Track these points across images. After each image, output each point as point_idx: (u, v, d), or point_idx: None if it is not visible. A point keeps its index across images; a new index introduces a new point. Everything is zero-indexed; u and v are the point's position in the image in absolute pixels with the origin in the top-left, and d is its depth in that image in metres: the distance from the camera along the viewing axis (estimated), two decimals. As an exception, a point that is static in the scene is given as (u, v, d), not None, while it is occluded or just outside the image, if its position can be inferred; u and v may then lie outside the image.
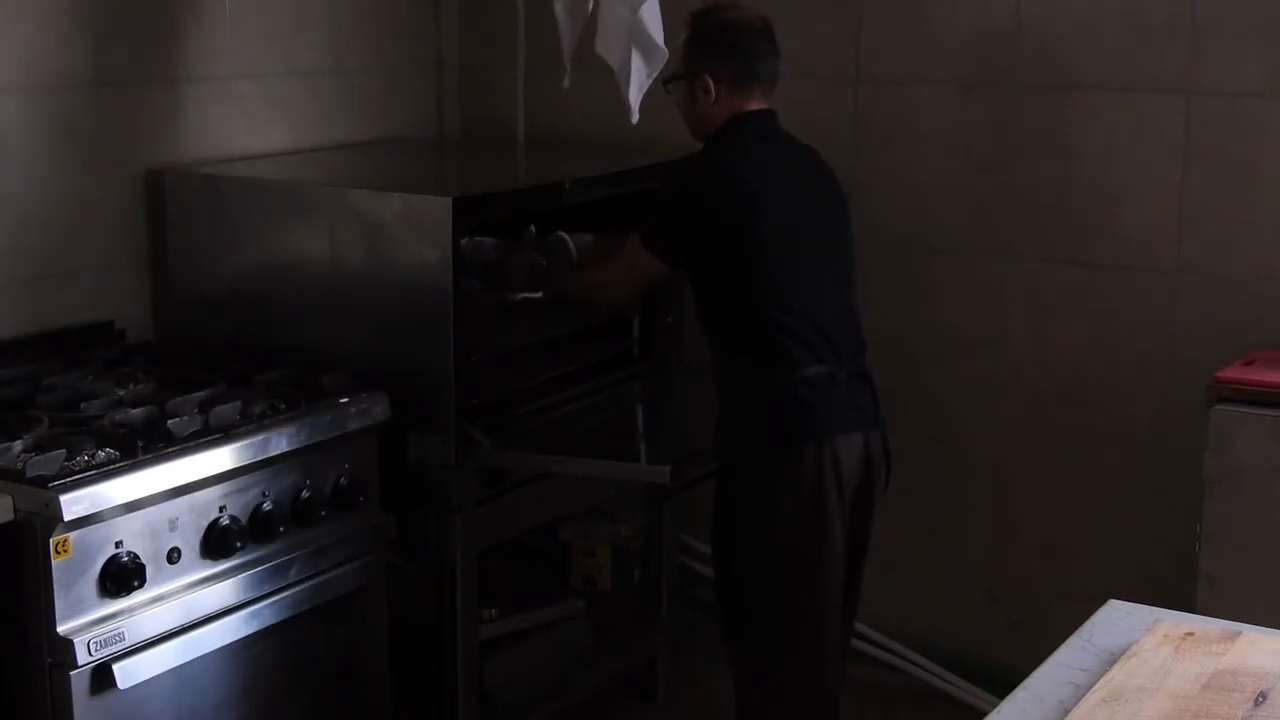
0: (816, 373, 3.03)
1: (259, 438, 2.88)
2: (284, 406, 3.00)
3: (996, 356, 3.94)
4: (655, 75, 3.59)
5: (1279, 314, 3.55)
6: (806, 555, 3.07)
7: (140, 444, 2.72)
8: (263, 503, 2.88)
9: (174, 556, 2.72)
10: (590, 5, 3.63)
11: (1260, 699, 1.93)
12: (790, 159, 3.18)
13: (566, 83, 3.74)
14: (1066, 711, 1.92)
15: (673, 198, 3.16)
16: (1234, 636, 2.13)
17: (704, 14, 3.14)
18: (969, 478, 4.02)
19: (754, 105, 3.14)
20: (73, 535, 2.55)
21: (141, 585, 2.65)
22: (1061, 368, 3.86)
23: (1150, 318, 3.73)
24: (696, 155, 3.17)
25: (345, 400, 3.08)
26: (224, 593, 2.80)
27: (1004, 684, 2.12)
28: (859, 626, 4.13)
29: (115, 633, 2.60)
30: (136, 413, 2.88)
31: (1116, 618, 2.25)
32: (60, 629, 2.55)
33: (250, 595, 2.84)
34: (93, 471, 2.61)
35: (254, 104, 3.78)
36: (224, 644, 2.80)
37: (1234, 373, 3.30)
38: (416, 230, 3.22)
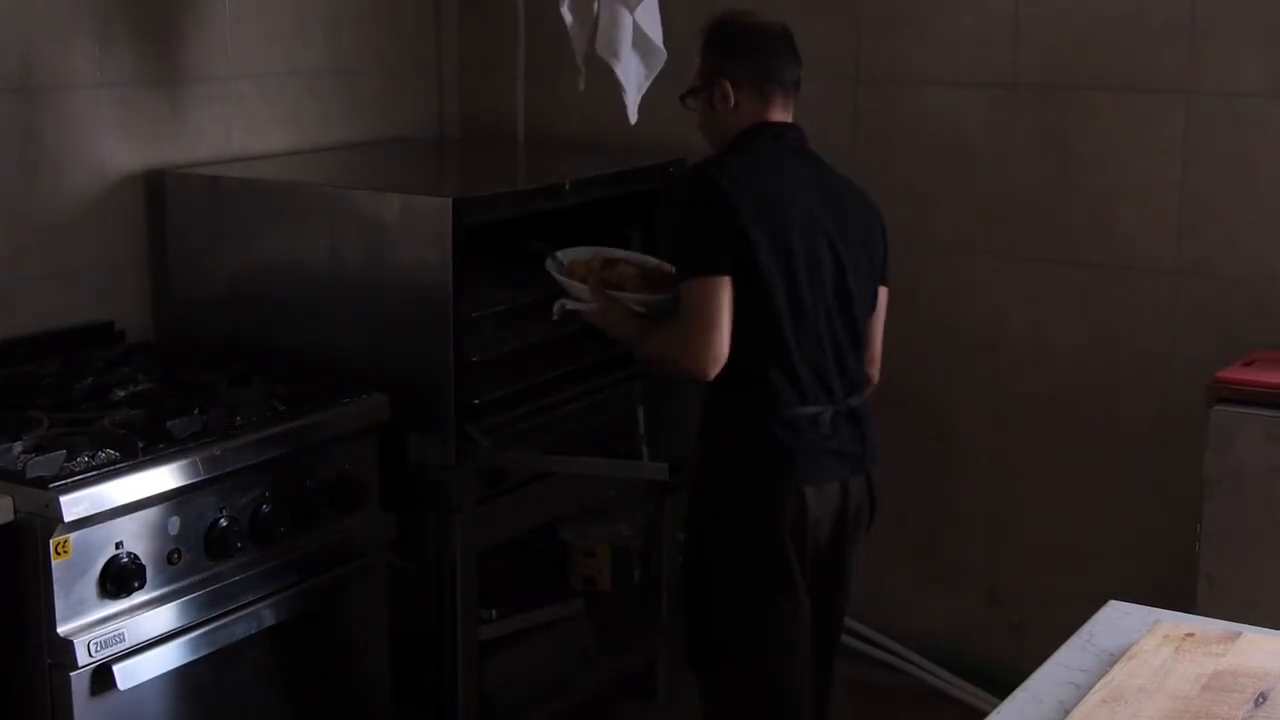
0: (799, 414, 2.91)
1: (259, 438, 2.88)
2: (284, 407, 3.00)
3: (996, 357, 3.94)
4: (654, 76, 3.59)
5: (1277, 313, 3.55)
6: (764, 597, 2.98)
7: (140, 445, 2.72)
8: (262, 503, 2.88)
9: (174, 557, 2.72)
10: (595, 7, 3.63)
11: (1260, 699, 1.93)
12: (808, 181, 3.02)
13: (582, 85, 3.74)
14: (1067, 712, 1.92)
15: (691, 212, 2.94)
16: (1234, 637, 2.13)
17: (719, 20, 3.04)
18: (969, 478, 4.02)
19: (775, 115, 3.01)
20: (73, 536, 2.55)
21: (142, 586, 2.65)
22: (1061, 368, 3.86)
23: (1150, 318, 3.73)
24: (697, 175, 2.96)
25: (345, 401, 3.08)
26: (224, 593, 2.80)
27: (1004, 684, 2.12)
28: (859, 627, 4.15)
29: (115, 633, 2.60)
30: (136, 413, 2.88)
31: (1116, 618, 2.25)
32: (60, 630, 2.55)
33: (250, 596, 2.84)
34: (93, 472, 2.61)
35: (254, 104, 3.78)
36: (224, 645, 2.80)
37: (1234, 373, 3.30)
38: (416, 231, 3.22)
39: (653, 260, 3.19)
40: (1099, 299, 3.79)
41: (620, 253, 3.22)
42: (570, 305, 3.08)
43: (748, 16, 3.05)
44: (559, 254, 3.12)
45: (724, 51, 2.99)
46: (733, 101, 2.98)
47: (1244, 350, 3.45)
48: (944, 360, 4.00)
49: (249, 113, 3.76)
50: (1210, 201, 3.63)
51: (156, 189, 3.52)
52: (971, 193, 3.91)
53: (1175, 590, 3.23)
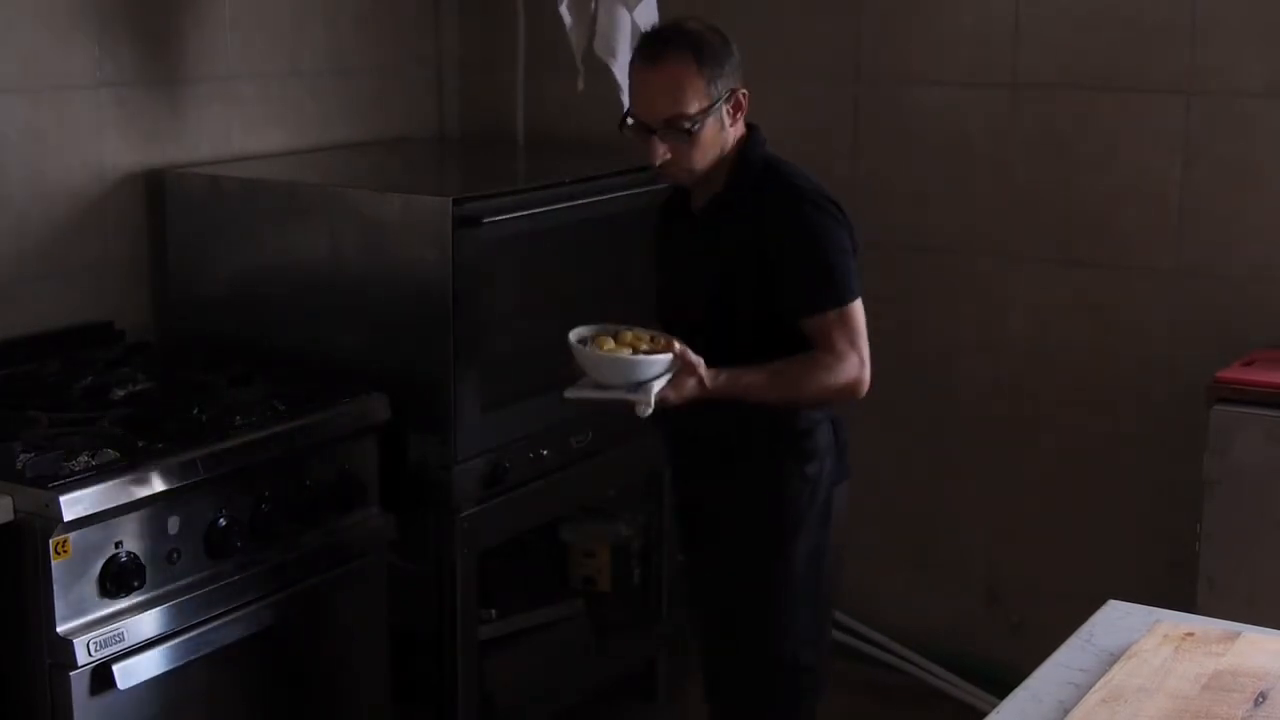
0: (838, 415, 2.97)
1: (259, 438, 2.87)
2: (283, 407, 3.00)
3: (996, 357, 3.94)
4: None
5: (1277, 313, 3.55)
6: (826, 598, 3.00)
7: (140, 444, 2.72)
8: (262, 503, 2.88)
9: (173, 557, 2.72)
10: (593, 6, 3.63)
11: (1260, 699, 1.93)
12: None
13: (581, 85, 3.74)
14: (1066, 712, 1.92)
15: (830, 240, 2.81)
16: (1234, 637, 2.13)
17: (702, 34, 2.79)
18: (969, 478, 4.02)
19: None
20: (72, 536, 2.55)
21: (141, 586, 2.65)
22: (1061, 368, 3.86)
23: (1150, 318, 3.73)
24: (791, 184, 2.84)
25: (345, 400, 3.08)
26: (224, 593, 2.79)
27: (1004, 684, 2.12)
28: (860, 626, 4.15)
29: (115, 633, 2.60)
30: (136, 413, 2.88)
31: (1116, 618, 2.25)
32: (60, 629, 2.55)
33: (250, 595, 2.84)
34: (92, 472, 2.61)
35: (254, 104, 3.78)
36: (224, 644, 2.80)
37: (1234, 373, 3.30)
38: (416, 231, 3.22)
39: (646, 332, 2.84)
40: (1099, 299, 3.79)
41: (617, 327, 2.85)
42: (645, 381, 2.69)
43: (702, 21, 2.86)
44: (572, 334, 2.78)
45: (728, 61, 2.80)
46: (744, 110, 2.85)
47: (1244, 350, 3.45)
48: (944, 360, 4.00)
49: (249, 112, 3.76)
50: (1210, 202, 3.63)
51: (156, 189, 3.52)
52: (971, 193, 3.91)
53: (1175, 590, 3.23)
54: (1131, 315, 3.75)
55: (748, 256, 2.80)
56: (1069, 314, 3.84)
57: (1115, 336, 3.78)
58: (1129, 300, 3.75)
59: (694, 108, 2.74)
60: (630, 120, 2.80)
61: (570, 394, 2.75)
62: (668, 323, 2.88)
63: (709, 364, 2.72)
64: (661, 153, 2.76)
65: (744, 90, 2.83)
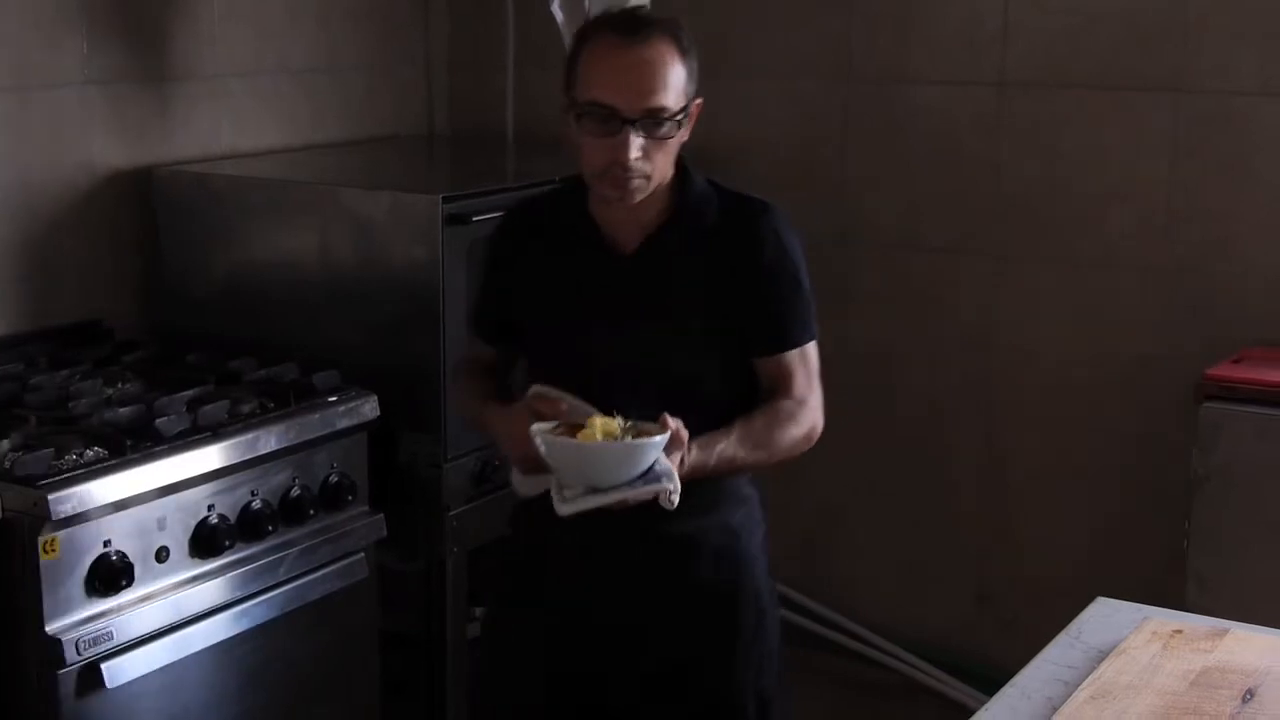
0: None
1: (248, 436, 2.87)
2: (273, 405, 2.99)
3: (986, 355, 3.94)
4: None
5: (1269, 312, 3.56)
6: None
7: (128, 443, 2.72)
8: (251, 501, 2.87)
9: (162, 555, 2.71)
10: (587, 4, 3.62)
11: (1248, 696, 1.94)
12: None
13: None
14: (1055, 709, 1.92)
15: (804, 264, 2.50)
16: (1222, 634, 2.13)
17: (678, 23, 2.40)
18: (958, 476, 4.02)
19: None
20: (60, 534, 2.55)
21: (130, 584, 2.65)
22: (1051, 366, 3.86)
23: (1140, 316, 3.73)
24: (756, 200, 2.48)
25: (335, 399, 3.08)
26: (213, 591, 2.79)
27: (993, 682, 2.13)
28: (849, 623, 4.15)
29: (103, 632, 2.60)
30: (125, 411, 2.88)
31: (1105, 615, 2.26)
32: (48, 628, 2.55)
33: (239, 594, 2.84)
34: (80, 470, 2.61)
35: (244, 102, 3.77)
36: (213, 643, 2.79)
37: (1223, 370, 3.31)
38: (406, 228, 3.22)
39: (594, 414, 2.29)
40: (1089, 297, 3.79)
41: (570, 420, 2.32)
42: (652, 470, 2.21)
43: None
44: (536, 429, 2.26)
45: (697, 60, 2.40)
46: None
47: (1234, 348, 3.45)
48: (934, 358, 4.00)
49: (238, 110, 3.76)
50: (1200, 200, 3.63)
51: (145, 187, 3.51)
52: (962, 191, 3.91)
53: (1164, 587, 3.23)
54: (1121, 313, 3.76)
55: (716, 294, 2.39)
56: (1058, 312, 3.84)
57: (1105, 334, 3.78)
58: (1118, 298, 3.76)
59: (675, 102, 2.31)
60: (588, 109, 2.30)
61: (569, 509, 2.20)
62: (578, 392, 2.34)
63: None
64: (636, 150, 2.29)
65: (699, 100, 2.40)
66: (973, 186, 3.90)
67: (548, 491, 2.24)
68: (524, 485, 2.42)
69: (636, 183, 2.31)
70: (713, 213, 2.42)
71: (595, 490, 2.19)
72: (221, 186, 3.50)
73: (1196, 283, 3.65)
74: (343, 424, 3.06)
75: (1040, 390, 3.89)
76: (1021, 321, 3.89)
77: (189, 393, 2.99)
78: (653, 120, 2.29)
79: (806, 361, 2.47)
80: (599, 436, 2.19)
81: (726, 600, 2.48)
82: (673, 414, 2.23)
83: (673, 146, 2.35)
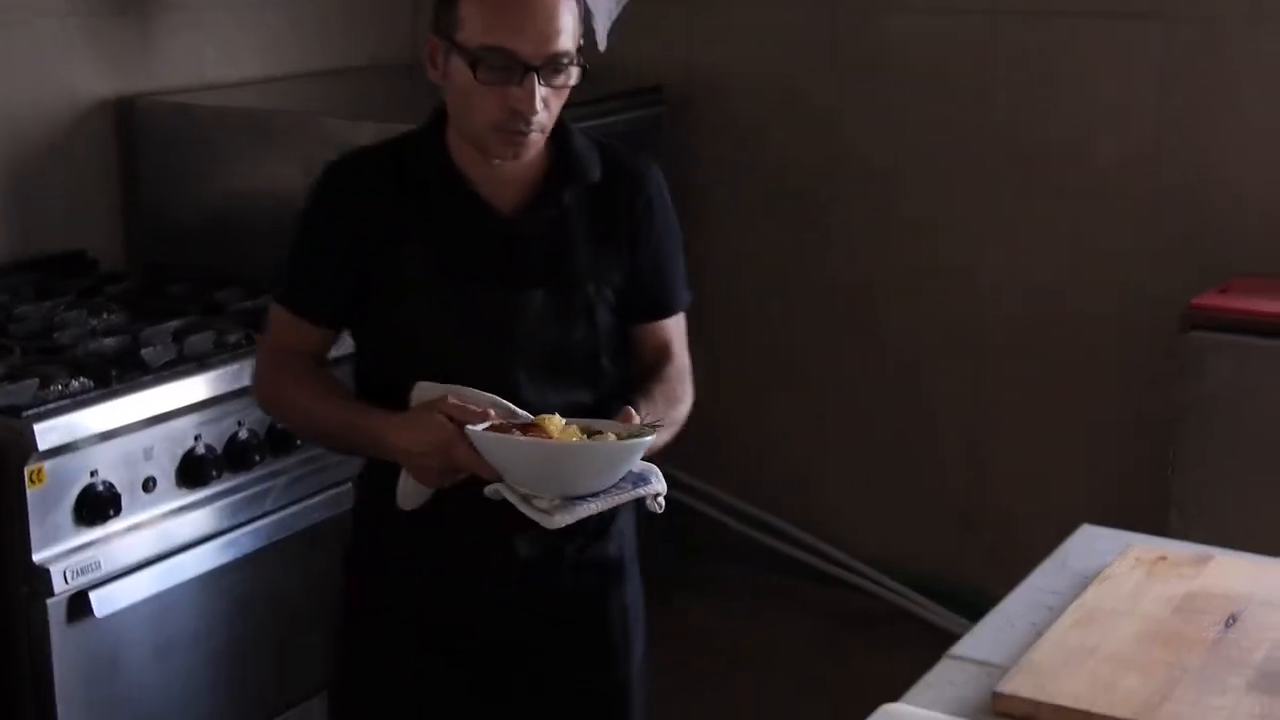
0: None
1: (234, 367, 2.86)
2: (258, 335, 2.98)
3: (974, 286, 3.94)
4: (625, 2, 3.57)
5: (1255, 241, 3.56)
6: None
7: (114, 373, 2.71)
8: (238, 432, 2.87)
9: (149, 485, 2.71)
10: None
11: (1231, 621, 1.95)
12: None
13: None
14: (1040, 634, 1.94)
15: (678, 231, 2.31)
16: (1205, 560, 2.15)
17: None
18: (946, 406, 4.04)
19: None
20: (47, 464, 2.55)
21: (117, 514, 2.65)
22: (1038, 297, 3.87)
23: (1128, 246, 3.73)
24: (640, 155, 2.28)
25: (320, 329, 3.06)
26: (200, 521, 2.80)
27: (979, 609, 2.14)
28: (835, 552, 4.17)
29: (91, 561, 2.60)
30: (110, 342, 2.87)
31: (1089, 542, 2.27)
32: (36, 557, 2.55)
33: (227, 524, 2.84)
34: (66, 400, 2.60)
35: (226, 30, 3.73)
36: (201, 572, 2.80)
37: (1208, 299, 3.31)
38: (391, 158, 3.20)
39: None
40: (1077, 227, 3.79)
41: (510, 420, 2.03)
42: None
43: None
44: (478, 432, 1.97)
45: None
46: None
47: (1221, 278, 3.46)
48: (921, 290, 4.00)
49: (221, 39, 3.72)
50: (1188, 129, 3.63)
51: (128, 117, 3.48)
52: (949, 121, 3.90)
53: (1149, 515, 3.25)
54: (1108, 243, 3.76)
55: (605, 258, 2.17)
56: (1046, 241, 3.83)
57: (1092, 264, 3.78)
58: (1106, 228, 3.75)
59: (573, 46, 2.06)
60: (483, 55, 2.01)
61: (566, 519, 1.94)
62: (447, 374, 2.06)
63: (536, 413, 2.01)
64: (541, 100, 2.03)
65: None
66: (961, 115, 3.88)
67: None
68: (414, 497, 2.10)
69: (534, 137, 2.06)
70: (596, 170, 2.16)
71: (572, 498, 1.94)
72: (204, 116, 3.47)
73: (1184, 212, 3.65)
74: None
75: (1027, 320, 3.89)
76: (1009, 252, 3.88)
77: (174, 323, 2.98)
78: (553, 67, 2.03)
79: (682, 327, 2.28)
80: (555, 438, 1.94)
81: (598, 614, 2.26)
82: (568, 393, 2.10)
83: (565, 96, 2.09)
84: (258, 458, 2.90)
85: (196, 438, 2.80)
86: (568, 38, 2.04)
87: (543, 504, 1.94)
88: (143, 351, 2.78)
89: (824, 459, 4.19)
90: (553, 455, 1.94)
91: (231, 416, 2.86)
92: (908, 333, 4.04)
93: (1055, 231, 3.82)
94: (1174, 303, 3.40)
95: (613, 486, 1.98)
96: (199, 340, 2.87)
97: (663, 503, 2.03)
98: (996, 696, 1.78)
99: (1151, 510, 3.32)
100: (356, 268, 2.14)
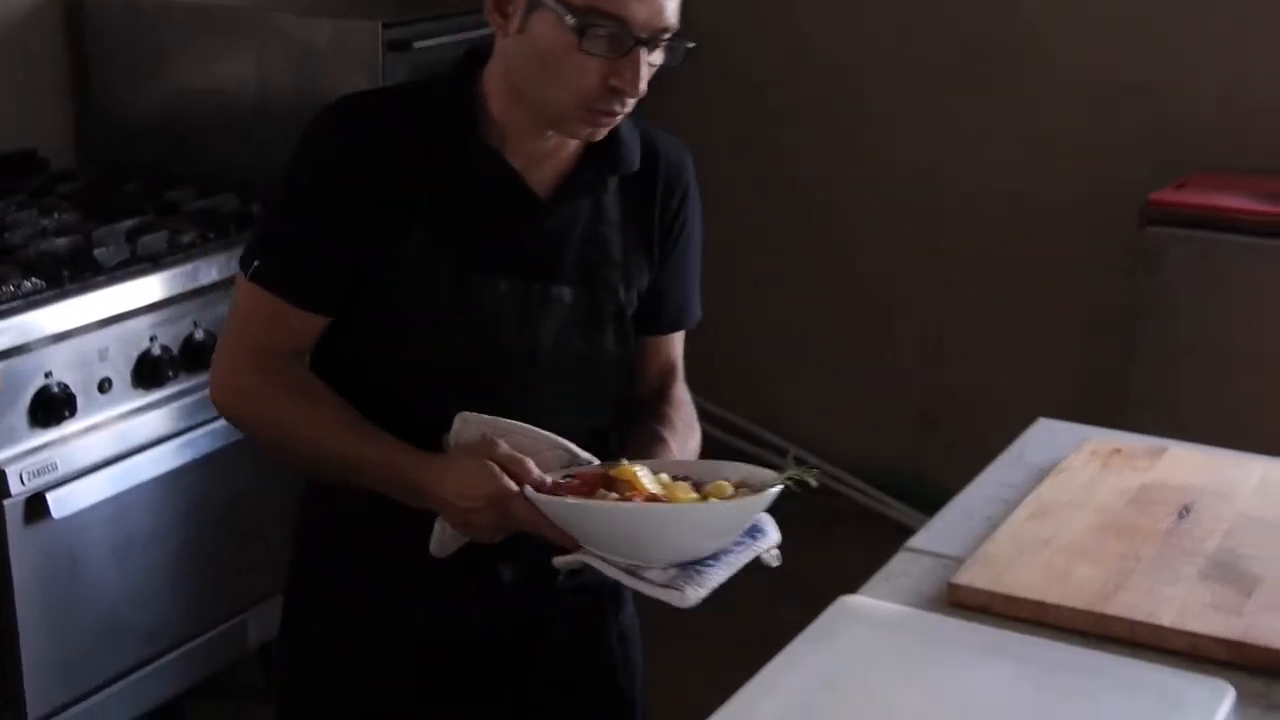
0: None
1: (188, 267, 2.84)
2: (213, 235, 2.96)
3: (933, 183, 3.93)
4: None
5: (1213, 136, 3.56)
6: None
7: (66, 274, 2.68)
8: (194, 333, 2.85)
9: (105, 386, 2.70)
10: None
11: (1184, 512, 1.97)
12: None
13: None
14: (995, 527, 1.95)
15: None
16: (1160, 452, 2.16)
17: None
18: (904, 305, 4.04)
19: None
20: (1, 365, 2.53)
21: (73, 415, 2.63)
22: (998, 195, 3.86)
23: (1086, 142, 3.73)
24: (677, 142, 2.00)
25: (276, 228, 3.04)
26: (157, 422, 2.79)
27: (939, 505, 2.14)
28: (797, 450, 4.18)
29: (48, 462, 2.59)
30: (62, 242, 2.83)
31: (1046, 436, 2.28)
32: (-9, 459, 2.54)
33: (184, 425, 2.83)
34: (18, 301, 2.58)
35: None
36: (159, 474, 2.79)
37: (1166, 195, 3.32)
38: (345, 55, 3.16)
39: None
40: (1036, 123, 3.78)
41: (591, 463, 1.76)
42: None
43: None
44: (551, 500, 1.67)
45: None
46: None
47: (1179, 173, 3.46)
48: (880, 185, 3.99)
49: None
50: (1147, 24, 3.61)
51: (76, 13, 3.42)
52: (908, 20, 3.87)
53: (1106, 410, 3.27)
54: (1067, 138, 3.75)
55: (637, 258, 1.89)
56: (1004, 137, 3.83)
57: (1051, 160, 3.78)
58: (1065, 123, 3.74)
59: (679, 22, 1.76)
60: (592, 20, 1.67)
61: (695, 597, 1.62)
62: (446, 382, 1.79)
63: (560, 431, 1.77)
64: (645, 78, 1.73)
65: None
66: (920, 13, 3.85)
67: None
68: (449, 546, 1.76)
69: (621, 117, 1.78)
70: (638, 155, 1.87)
71: (681, 564, 1.63)
72: (153, 11, 3.41)
73: (1142, 108, 3.64)
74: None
75: (987, 217, 3.89)
76: (968, 148, 3.87)
77: (127, 223, 2.95)
78: (661, 42, 1.73)
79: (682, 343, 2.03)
80: (649, 488, 1.65)
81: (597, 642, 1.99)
82: (585, 415, 1.84)
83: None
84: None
85: (152, 339, 2.78)
86: (677, 10, 1.74)
87: (655, 575, 1.62)
88: (95, 252, 2.75)
89: (785, 359, 4.20)
90: (665, 520, 1.63)
91: (187, 317, 2.85)
92: (866, 231, 4.03)
93: (1014, 127, 3.80)
94: (1132, 198, 3.40)
95: (735, 545, 1.68)
96: (152, 240, 2.85)
97: (779, 554, 1.73)
98: (952, 588, 1.79)
99: (1109, 405, 3.34)
100: (355, 241, 1.76)
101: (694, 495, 1.66)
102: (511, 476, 1.68)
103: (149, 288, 2.76)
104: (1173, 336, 3.25)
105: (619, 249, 1.86)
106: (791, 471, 1.69)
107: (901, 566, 1.89)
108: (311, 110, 2.43)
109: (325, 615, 1.94)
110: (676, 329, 1.98)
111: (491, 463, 1.68)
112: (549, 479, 1.69)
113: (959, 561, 1.86)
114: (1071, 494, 2.02)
